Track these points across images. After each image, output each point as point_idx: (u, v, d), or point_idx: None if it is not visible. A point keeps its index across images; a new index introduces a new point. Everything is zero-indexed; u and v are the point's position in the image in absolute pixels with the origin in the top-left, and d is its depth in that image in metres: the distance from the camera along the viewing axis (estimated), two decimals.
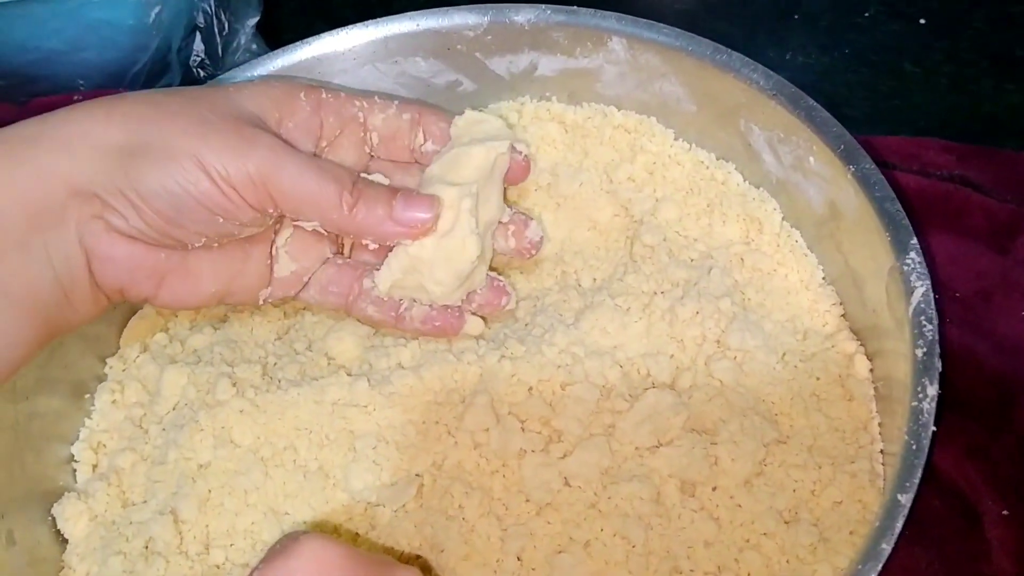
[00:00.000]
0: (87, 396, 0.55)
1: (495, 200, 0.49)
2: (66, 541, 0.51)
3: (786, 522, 0.46)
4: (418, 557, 0.47)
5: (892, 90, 0.75)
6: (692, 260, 0.55)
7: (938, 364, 0.41)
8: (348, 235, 0.48)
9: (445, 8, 0.58)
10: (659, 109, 0.58)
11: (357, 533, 0.48)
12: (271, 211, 0.44)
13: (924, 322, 0.43)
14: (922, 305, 0.43)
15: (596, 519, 0.47)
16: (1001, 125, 0.71)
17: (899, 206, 0.46)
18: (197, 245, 0.44)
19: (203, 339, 0.57)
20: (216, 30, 0.71)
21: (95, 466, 0.53)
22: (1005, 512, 0.49)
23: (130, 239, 0.42)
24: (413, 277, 0.48)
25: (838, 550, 0.44)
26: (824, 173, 0.50)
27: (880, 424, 0.48)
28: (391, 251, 0.48)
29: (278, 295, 0.50)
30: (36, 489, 0.51)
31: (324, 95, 0.48)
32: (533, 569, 0.46)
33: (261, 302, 0.49)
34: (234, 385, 0.52)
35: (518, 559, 0.46)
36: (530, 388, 0.50)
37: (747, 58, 0.52)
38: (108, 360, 0.57)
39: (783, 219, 0.55)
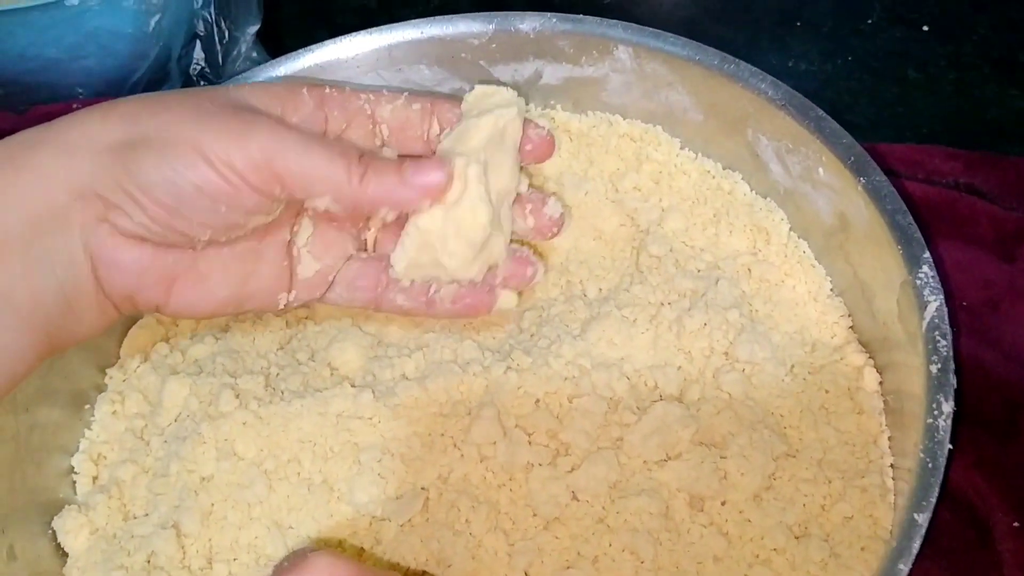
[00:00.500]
0: (87, 407, 0.54)
1: (508, 168, 0.47)
2: (66, 555, 0.50)
3: (796, 537, 0.46)
4: (424, 573, 0.47)
5: (895, 97, 0.75)
6: (699, 271, 0.54)
7: (953, 381, 0.41)
8: (362, 209, 0.46)
9: (450, 16, 0.57)
10: (665, 118, 0.58)
11: (362, 548, 0.48)
12: (277, 192, 0.42)
13: (938, 337, 0.42)
14: (936, 320, 0.43)
15: (604, 534, 0.46)
16: (1006, 131, 0.71)
17: (911, 219, 0.45)
18: (203, 239, 0.43)
19: (204, 349, 0.56)
20: (216, 38, 0.70)
21: (95, 478, 0.53)
22: (1016, 524, 0.48)
23: (137, 241, 0.42)
24: (427, 253, 0.47)
25: (850, 566, 0.44)
26: (834, 184, 0.50)
27: (890, 438, 0.48)
28: (403, 231, 0.47)
29: (303, 298, 0.48)
30: (36, 501, 0.51)
31: (328, 90, 0.47)
32: None
33: (282, 306, 0.48)
34: (237, 396, 0.52)
35: (525, 574, 0.46)
36: (537, 400, 0.50)
37: (755, 68, 0.52)
38: (108, 370, 0.56)
39: (790, 229, 0.55)
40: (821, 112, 0.50)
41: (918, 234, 0.45)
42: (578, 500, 0.47)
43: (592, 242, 0.58)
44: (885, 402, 0.49)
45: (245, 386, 0.53)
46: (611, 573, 0.45)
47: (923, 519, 0.38)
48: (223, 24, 0.71)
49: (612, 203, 0.58)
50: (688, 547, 0.46)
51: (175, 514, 0.49)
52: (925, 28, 0.78)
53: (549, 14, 0.56)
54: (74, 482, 0.53)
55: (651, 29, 0.55)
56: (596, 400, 0.49)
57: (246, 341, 0.56)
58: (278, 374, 0.54)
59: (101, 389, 0.55)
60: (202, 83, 0.71)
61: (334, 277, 0.49)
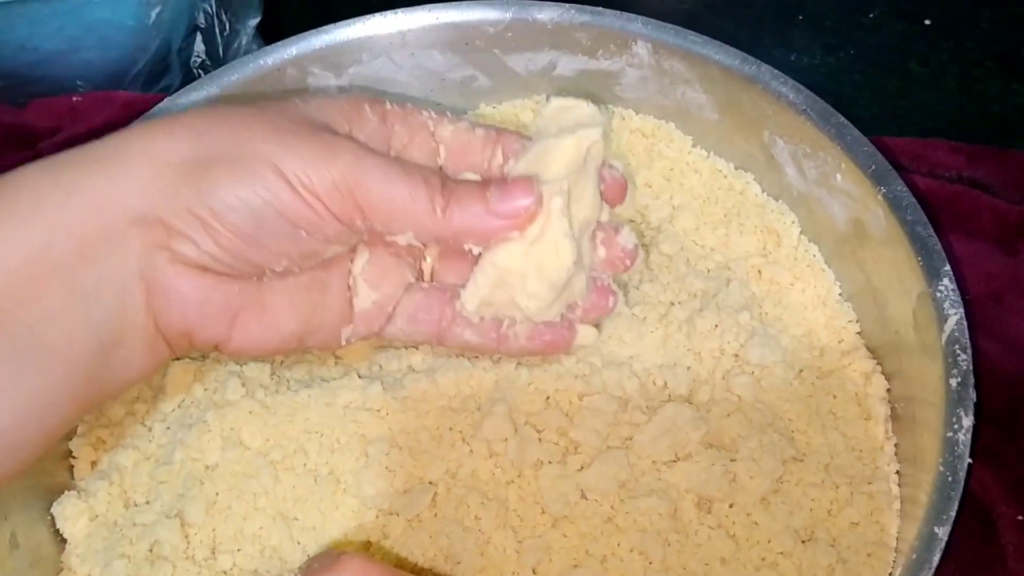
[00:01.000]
0: None
1: (590, 196, 0.44)
2: (65, 541, 0.49)
3: (803, 541, 0.46)
4: (431, 570, 0.47)
5: (898, 91, 0.75)
6: (709, 271, 0.54)
7: (973, 395, 0.41)
8: (445, 243, 0.43)
9: (466, 2, 0.56)
10: (678, 115, 0.58)
11: (369, 541, 0.47)
12: (358, 223, 0.40)
13: (958, 351, 0.43)
14: (956, 334, 0.43)
15: (613, 533, 0.46)
16: (1009, 125, 0.72)
17: (931, 230, 0.46)
18: (277, 270, 0.40)
19: None
20: (217, 30, 0.69)
21: (94, 463, 0.52)
22: (1020, 517, 0.49)
23: (200, 270, 0.38)
24: (503, 292, 0.44)
25: (856, 572, 0.45)
26: (851, 192, 0.50)
27: (896, 445, 0.48)
28: (476, 266, 0.44)
29: (361, 332, 0.45)
30: (35, 486, 0.50)
31: (389, 105, 0.44)
32: None
33: (344, 342, 0.45)
34: (243, 385, 0.51)
35: (533, 572, 0.46)
36: (547, 397, 0.50)
37: (776, 71, 0.52)
38: None
39: (801, 233, 0.55)
40: (842, 119, 0.50)
41: (938, 246, 0.45)
42: (587, 499, 0.47)
43: None
44: (893, 409, 0.49)
45: (251, 374, 0.52)
46: (619, 572, 0.45)
47: (943, 533, 0.38)
48: (224, 16, 0.70)
49: None
50: (696, 548, 0.46)
51: (179, 503, 0.48)
52: (927, 22, 0.78)
53: (568, 5, 0.56)
54: (71, 467, 0.52)
55: (672, 26, 0.54)
56: (606, 399, 0.49)
57: None
58: (282, 362, 0.53)
59: None
60: (202, 75, 0.69)
61: (394, 309, 0.46)
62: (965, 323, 0.43)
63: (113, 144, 0.37)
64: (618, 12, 0.55)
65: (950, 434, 0.41)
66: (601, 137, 0.43)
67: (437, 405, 0.50)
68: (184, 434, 0.50)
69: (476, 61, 0.58)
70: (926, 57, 0.76)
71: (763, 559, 0.46)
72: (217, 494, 0.48)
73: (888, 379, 0.50)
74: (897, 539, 0.46)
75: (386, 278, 0.45)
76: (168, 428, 0.51)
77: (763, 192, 0.57)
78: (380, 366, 0.52)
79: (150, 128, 0.38)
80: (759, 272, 0.54)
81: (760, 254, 0.55)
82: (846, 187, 0.50)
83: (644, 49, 0.55)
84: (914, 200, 0.47)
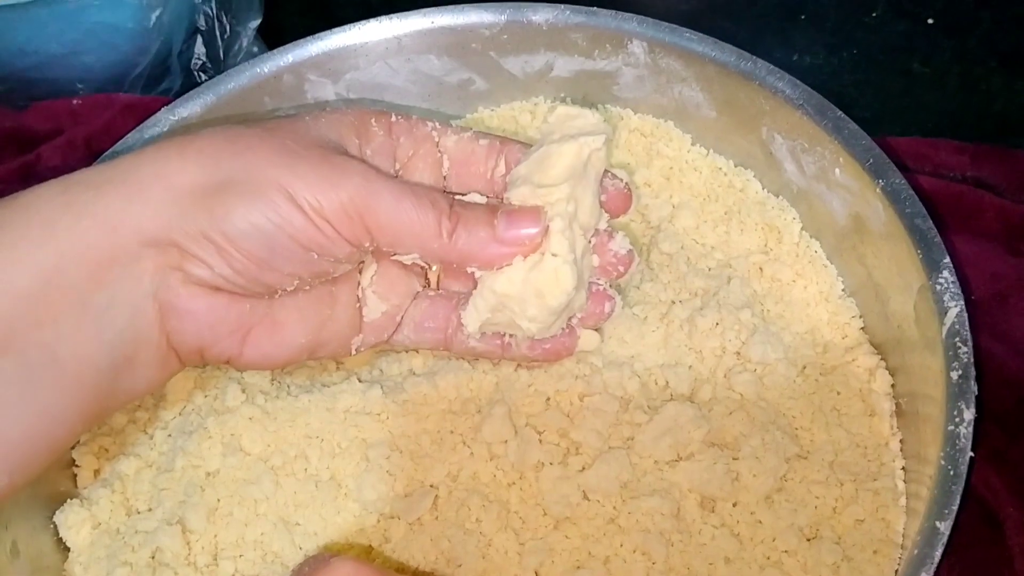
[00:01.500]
0: None
1: (589, 204, 0.44)
2: (68, 549, 0.49)
3: (808, 539, 0.46)
4: (432, 573, 0.46)
5: (901, 90, 0.74)
6: (710, 269, 0.54)
7: (974, 387, 0.41)
8: (450, 264, 0.44)
9: (461, 6, 0.56)
10: (676, 114, 0.58)
11: (370, 546, 0.47)
12: (367, 245, 0.41)
13: (959, 344, 0.42)
14: (956, 326, 0.42)
15: (616, 534, 0.46)
16: (1013, 125, 0.71)
17: (931, 223, 0.45)
18: (289, 289, 0.41)
19: None
20: (217, 33, 0.70)
21: (97, 471, 0.52)
22: None
23: (212, 290, 0.39)
24: (503, 315, 0.44)
25: (862, 570, 0.44)
26: (850, 186, 0.50)
27: (902, 441, 0.48)
28: (476, 290, 0.44)
29: (371, 341, 0.46)
30: (38, 495, 0.50)
31: (394, 118, 0.45)
32: None
33: (353, 351, 0.46)
34: (243, 391, 0.51)
35: (535, 574, 0.45)
36: (547, 399, 0.49)
37: (773, 66, 0.52)
38: None
39: (802, 229, 0.55)
40: (840, 113, 0.49)
41: (938, 239, 0.45)
42: (589, 500, 0.47)
43: None
44: (897, 405, 0.49)
45: (251, 380, 0.52)
46: (622, 574, 0.45)
47: (945, 527, 0.38)
48: (224, 19, 0.70)
49: None
50: (700, 548, 0.45)
51: (180, 510, 0.48)
52: (930, 21, 0.78)
53: (563, 6, 0.55)
54: (74, 475, 0.52)
55: (667, 24, 0.54)
56: (607, 399, 0.49)
57: None
58: (284, 368, 0.53)
59: None
60: (203, 77, 0.70)
61: (401, 318, 0.46)
62: (965, 315, 0.43)
63: (125, 167, 0.38)
64: (613, 12, 0.55)
65: (951, 427, 0.40)
66: (604, 146, 0.44)
67: (437, 408, 0.50)
68: (185, 441, 0.50)
69: (473, 64, 0.58)
70: (929, 56, 0.76)
71: (768, 558, 0.45)
72: (218, 500, 0.48)
73: (892, 375, 0.49)
74: (903, 536, 0.45)
75: (394, 289, 0.46)
76: (169, 435, 0.51)
77: (763, 189, 0.56)
78: (381, 370, 0.52)
79: (163, 151, 0.39)
80: (760, 269, 0.54)
81: (761, 251, 0.55)
82: (845, 181, 0.50)
83: (640, 48, 0.55)
84: (912, 193, 0.46)
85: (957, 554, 0.48)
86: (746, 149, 0.56)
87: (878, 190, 0.48)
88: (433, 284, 0.48)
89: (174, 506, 0.49)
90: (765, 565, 0.45)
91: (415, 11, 0.56)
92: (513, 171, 0.45)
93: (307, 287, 0.42)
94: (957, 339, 0.42)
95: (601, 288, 0.47)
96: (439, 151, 0.46)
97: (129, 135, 0.54)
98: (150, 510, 0.49)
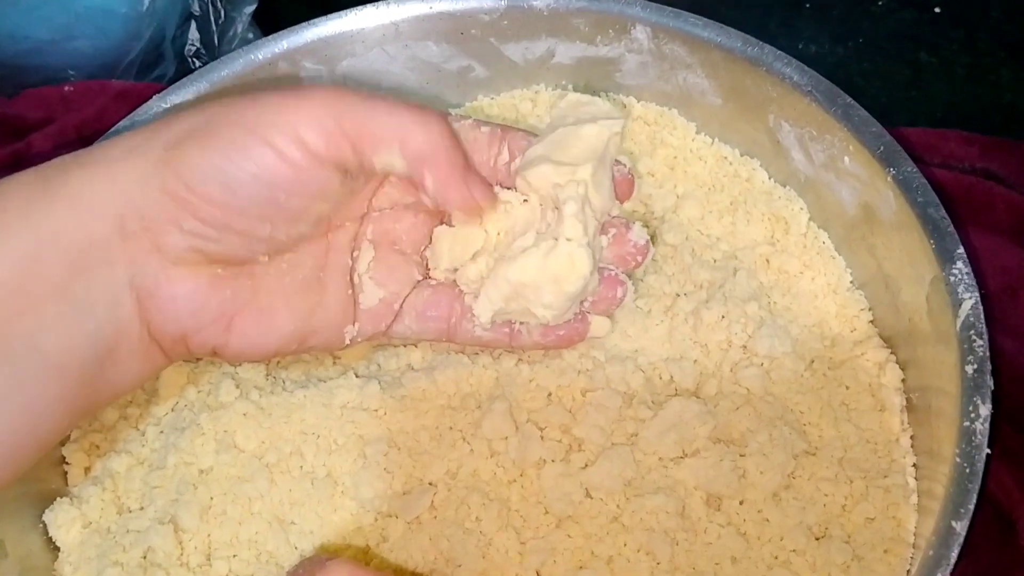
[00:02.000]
0: None
1: (608, 187, 0.43)
2: (58, 549, 0.48)
3: (817, 538, 0.44)
4: (432, 573, 0.45)
5: (908, 80, 0.73)
6: (715, 261, 0.53)
7: (990, 382, 0.40)
8: (433, 169, 0.40)
9: None
10: (681, 101, 0.56)
11: (368, 545, 0.46)
12: (348, 156, 0.38)
13: (974, 337, 0.41)
14: (971, 319, 0.41)
15: (619, 533, 0.45)
16: (1021, 115, 0.70)
17: (943, 212, 0.44)
18: (263, 235, 0.39)
19: None
20: (212, 18, 0.68)
21: (88, 468, 0.51)
22: None
23: (191, 268, 0.38)
24: (517, 303, 0.43)
25: (873, 569, 0.43)
26: (860, 174, 0.48)
27: (912, 437, 0.47)
28: (488, 279, 0.44)
29: (368, 331, 0.45)
30: (27, 493, 0.48)
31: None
32: None
33: (348, 341, 0.44)
34: (237, 386, 0.50)
35: (537, 574, 0.44)
36: (549, 394, 0.48)
37: (780, 52, 0.50)
38: None
39: (810, 219, 0.53)
40: (849, 99, 0.48)
41: (951, 228, 0.44)
42: (592, 498, 0.46)
43: None
44: (908, 399, 0.48)
45: (245, 375, 0.51)
46: (626, 573, 0.44)
47: (961, 527, 0.37)
48: (219, 4, 0.69)
49: None
50: (705, 547, 0.44)
51: (172, 508, 0.47)
52: (937, 10, 0.77)
53: None
54: (65, 473, 0.51)
55: (671, 8, 0.53)
56: (610, 394, 0.48)
57: None
58: (278, 362, 0.52)
59: None
60: (197, 64, 0.69)
61: (400, 306, 0.45)
62: (980, 307, 0.41)
63: (99, 149, 0.37)
64: None
65: (967, 423, 0.39)
66: (621, 131, 0.43)
67: (436, 404, 0.49)
68: (177, 438, 0.49)
69: (472, 51, 0.57)
70: (936, 46, 0.75)
71: (775, 557, 0.44)
72: (211, 499, 0.47)
73: (903, 368, 0.48)
74: (915, 534, 0.44)
75: (393, 275, 0.45)
76: (161, 432, 0.50)
77: (770, 178, 0.55)
78: (378, 364, 0.51)
79: (137, 130, 0.38)
80: (767, 261, 0.53)
81: (768, 242, 0.54)
82: (854, 170, 0.49)
83: (643, 33, 0.54)
84: (925, 182, 0.45)
85: (970, 555, 0.47)
86: (752, 137, 0.55)
87: (889, 179, 0.46)
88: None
89: (166, 504, 0.48)
90: (773, 565, 0.44)
91: None
92: (528, 151, 0.44)
93: (283, 236, 0.40)
94: (972, 332, 0.41)
95: (611, 274, 0.46)
96: None
97: (120, 124, 0.53)
98: (142, 509, 0.48)
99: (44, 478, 0.50)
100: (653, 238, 0.54)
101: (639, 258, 0.46)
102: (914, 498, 0.45)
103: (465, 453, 0.47)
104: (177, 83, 0.55)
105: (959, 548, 0.37)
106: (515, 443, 0.47)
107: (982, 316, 0.41)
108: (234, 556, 0.46)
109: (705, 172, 0.56)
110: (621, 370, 0.49)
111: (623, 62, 0.56)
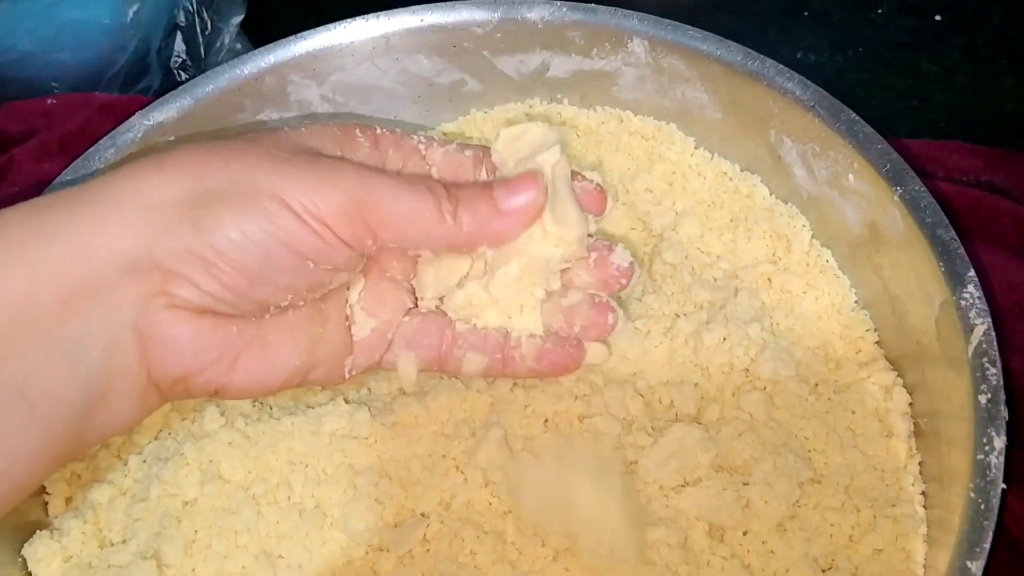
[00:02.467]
0: None
1: (572, 215, 0.43)
2: None
3: (823, 570, 0.43)
4: None
5: (909, 89, 0.73)
6: (716, 280, 0.52)
7: (1004, 412, 0.38)
8: (459, 249, 0.42)
9: (452, 3, 0.54)
10: (679, 115, 0.55)
11: None
12: (369, 243, 0.39)
13: (987, 364, 0.39)
14: (984, 346, 0.40)
15: (619, 566, 0.43)
16: None
17: (953, 233, 0.43)
18: (283, 304, 0.39)
19: None
20: (198, 29, 0.67)
21: (69, 499, 0.49)
22: None
23: (197, 313, 0.37)
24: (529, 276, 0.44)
25: None
26: (865, 192, 0.47)
27: (921, 463, 0.45)
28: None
29: (362, 364, 0.44)
30: (5, 525, 0.47)
31: (379, 131, 0.43)
32: None
33: (347, 375, 0.44)
34: (222, 414, 0.48)
35: None
36: (546, 420, 0.47)
37: (782, 66, 0.49)
38: None
39: (812, 237, 0.52)
40: (854, 115, 0.47)
41: (961, 250, 0.42)
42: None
43: None
44: (916, 424, 0.46)
45: (231, 402, 0.49)
46: None
47: (977, 568, 0.35)
48: (205, 14, 0.68)
49: (622, 206, 0.54)
50: None
51: (155, 542, 0.45)
52: (938, 18, 0.76)
53: (559, 3, 0.53)
54: (46, 503, 0.49)
55: (669, 21, 0.52)
56: (609, 420, 0.46)
57: None
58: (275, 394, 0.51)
59: None
60: (183, 75, 0.67)
61: (392, 336, 0.45)
62: (993, 334, 0.40)
63: (100, 186, 0.36)
64: (612, 8, 0.52)
65: (981, 456, 0.38)
66: (561, 155, 0.43)
67: (428, 431, 0.47)
68: (160, 468, 0.47)
69: (465, 64, 0.56)
70: (937, 55, 0.74)
71: None
72: (196, 532, 0.46)
73: (910, 392, 0.47)
74: (924, 566, 0.42)
75: (384, 304, 0.44)
76: (144, 461, 0.49)
77: (771, 195, 0.54)
78: (369, 389, 0.50)
79: (139, 167, 0.37)
80: (769, 280, 0.51)
81: (770, 261, 0.52)
82: (859, 188, 0.47)
83: (641, 47, 0.52)
84: (933, 201, 0.44)
85: None
86: (753, 153, 0.53)
87: (896, 198, 0.45)
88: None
89: (149, 538, 0.46)
90: None
91: (404, 8, 0.54)
92: None
93: (300, 303, 0.40)
94: (985, 359, 0.40)
95: (602, 300, 0.45)
96: (427, 163, 0.44)
97: (101, 141, 0.52)
98: (124, 542, 0.47)
99: (23, 509, 0.48)
100: (651, 257, 0.53)
101: (623, 281, 0.45)
102: (923, 528, 0.43)
103: (459, 482, 0.46)
104: (161, 99, 0.53)
105: None
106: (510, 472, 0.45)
107: (995, 343, 0.40)
108: None
109: (704, 188, 0.55)
110: (619, 394, 0.47)
111: (620, 76, 0.55)
